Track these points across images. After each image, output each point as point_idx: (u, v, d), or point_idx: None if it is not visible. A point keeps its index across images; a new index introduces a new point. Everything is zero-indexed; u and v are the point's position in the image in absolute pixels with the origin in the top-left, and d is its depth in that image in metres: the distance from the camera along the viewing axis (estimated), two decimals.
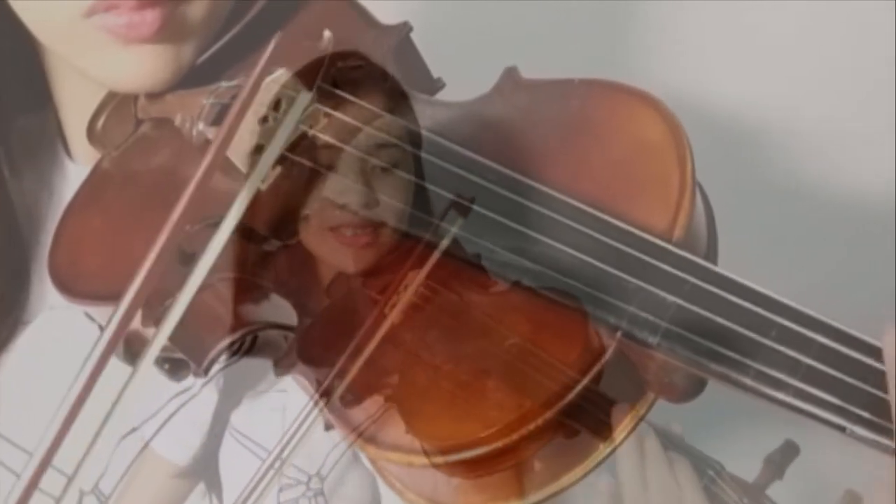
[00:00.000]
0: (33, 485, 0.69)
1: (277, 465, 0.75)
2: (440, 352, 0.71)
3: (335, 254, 0.77)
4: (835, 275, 1.29)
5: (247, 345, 0.82)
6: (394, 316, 0.72)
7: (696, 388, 0.69)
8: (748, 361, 0.65)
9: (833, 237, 1.29)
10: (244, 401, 0.92)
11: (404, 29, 0.85)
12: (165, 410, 0.88)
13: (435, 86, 0.85)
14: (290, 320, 0.79)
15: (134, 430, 0.88)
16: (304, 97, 0.76)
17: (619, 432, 0.70)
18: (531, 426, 0.67)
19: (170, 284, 0.78)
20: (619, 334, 0.68)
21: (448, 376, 0.70)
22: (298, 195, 0.78)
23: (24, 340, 0.92)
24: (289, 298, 0.77)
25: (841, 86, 1.28)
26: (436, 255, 0.72)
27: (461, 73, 0.84)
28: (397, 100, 0.80)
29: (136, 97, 0.86)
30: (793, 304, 0.66)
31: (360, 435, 0.71)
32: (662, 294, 0.67)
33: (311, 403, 0.72)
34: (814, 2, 1.25)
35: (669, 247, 0.69)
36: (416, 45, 0.86)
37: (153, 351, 0.74)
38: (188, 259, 0.79)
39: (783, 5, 1.25)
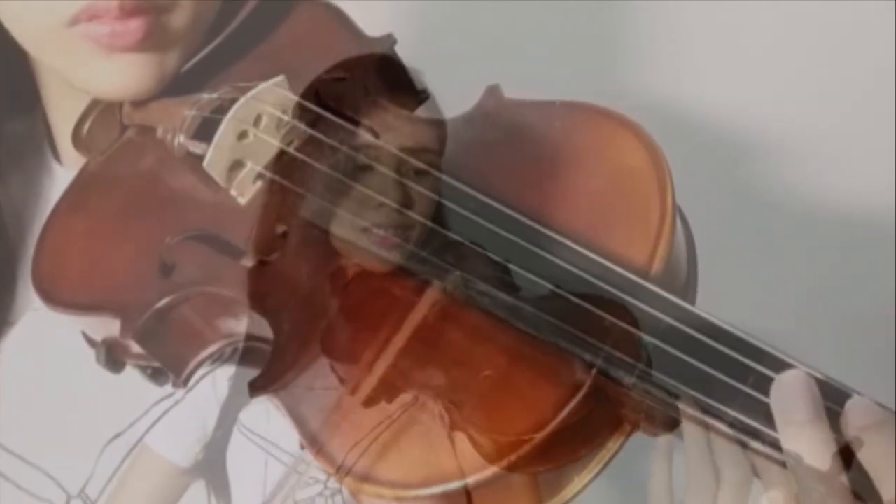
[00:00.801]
0: None
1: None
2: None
3: (365, 253, 0.72)
4: (830, 283, 1.24)
5: (227, 355, 0.79)
6: (431, 318, 0.67)
7: (673, 422, 0.65)
8: (724, 408, 0.61)
9: (829, 244, 1.24)
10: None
11: (388, 41, 0.81)
12: (151, 414, 0.85)
13: (419, 97, 0.81)
14: (268, 333, 0.75)
15: (118, 435, 0.84)
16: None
17: (595, 465, 0.66)
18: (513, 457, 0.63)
19: (149, 295, 0.75)
20: (594, 371, 0.64)
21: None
22: (283, 210, 0.74)
23: (10, 341, 0.89)
24: (264, 315, 0.73)
25: (835, 91, 1.22)
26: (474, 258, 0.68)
27: (446, 83, 0.80)
28: (382, 111, 0.76)
29: (121, 103, 0.83)
30: (771, 349, 0.62)
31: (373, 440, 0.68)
32: (638, 334, 0.63)
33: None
34: (802, 6, 1.19)
35: (647, 285, 0.65)
36: (400, 56, 0.82)
37: None
38: (168, 270, 0.76)
39: (771, 13, 1.20)
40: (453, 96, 0.80)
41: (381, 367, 0.67)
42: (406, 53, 0.81)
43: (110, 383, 0.80)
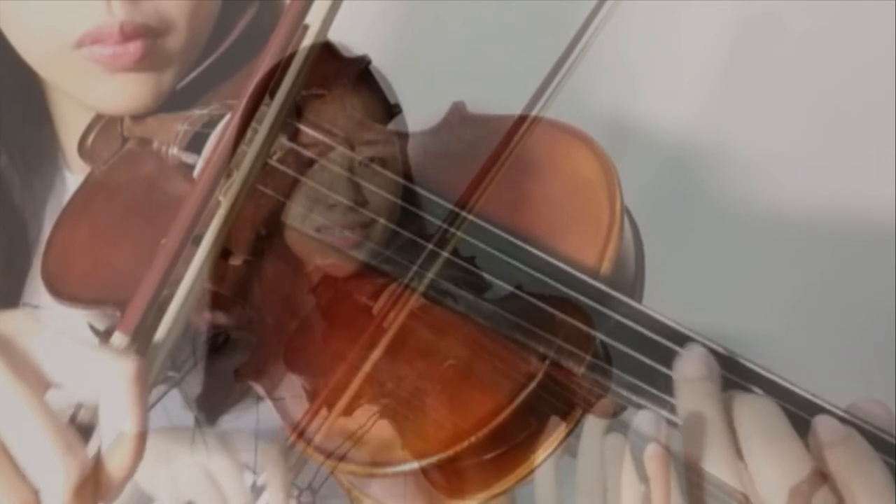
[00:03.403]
0: None
1: None
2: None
3: (324, 256, 0.69)
4: (830, 285, 1.19)
5: (219, 342, 0.76)
6: (394, 327, 0.64)
7: (620, 407, 0.62)
8: (666, 397, 0.58)
9: (828, 248, 1.19)
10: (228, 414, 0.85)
11: (364, 60, 0.78)
12: (152, 396, 0.82)
13: (392, 111, 0.78)
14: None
15: None
16: None
17: (549, 445, 0.63)
18: (473, 439, 0.60)
19: None
20: (547, 362, 0.61)
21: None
22: (263, 214, 0.72)
23: None
24: (247, 309, 0.70)
25: (831, 95, 1.17)
26: (439, 262, 0.64)
27: (416, 97, 0.77)
28: (358, 126, 0.73)
29: (122, 118, 0.81)
30: (714, 345, 0.59)
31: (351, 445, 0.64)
32: (587, 329, 0.60)
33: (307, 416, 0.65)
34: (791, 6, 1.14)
35: (597, 284, 0.62)
36: (374, 75, 0.79)
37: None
38: None
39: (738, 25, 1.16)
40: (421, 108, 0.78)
41: (355, 383, 0.64)
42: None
43: None
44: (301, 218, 0.70)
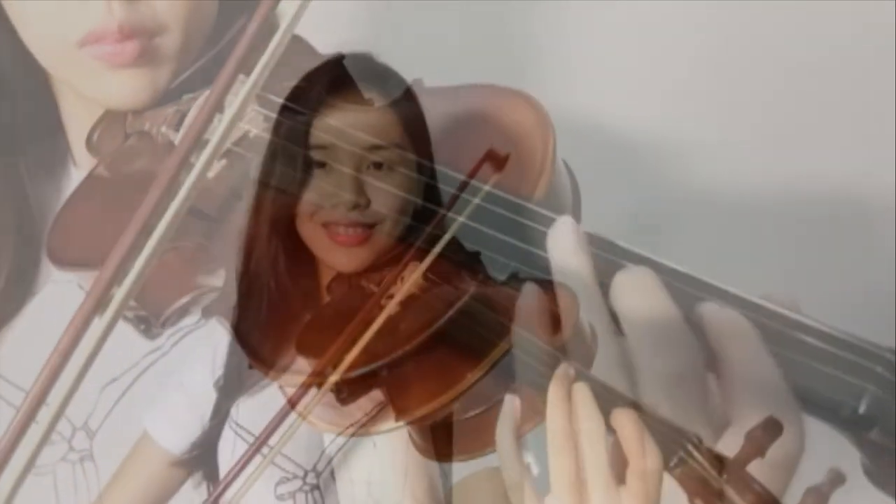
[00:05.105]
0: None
1: (266, 451, 0.68)
2: None
3: (330, 252, 0.69)
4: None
5: (208, 312, 0.78)
6: (391, 307, 0.65)
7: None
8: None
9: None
10: (245, 395, 0.86)
11: (340, 58, 0.82)
12: (141, 364, 0.84)
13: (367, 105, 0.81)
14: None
15: (114, 379, 0.84)
16: None
17: (485, 363, 0.64)
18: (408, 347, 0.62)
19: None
20: (480, 277, 0.64)
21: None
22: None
23: (32, 307, 0.90)
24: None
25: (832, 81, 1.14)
26: (436, 250, 0.66)
27: None
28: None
29: (125, 115, 0.85)
30: (637, 250, 0.61)
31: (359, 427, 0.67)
32: (513, 241, 0.63)
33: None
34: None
35: (526, 203, 0.65)
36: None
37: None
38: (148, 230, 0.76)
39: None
40: None
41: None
42: None
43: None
44: (310, 212, 0.70)
